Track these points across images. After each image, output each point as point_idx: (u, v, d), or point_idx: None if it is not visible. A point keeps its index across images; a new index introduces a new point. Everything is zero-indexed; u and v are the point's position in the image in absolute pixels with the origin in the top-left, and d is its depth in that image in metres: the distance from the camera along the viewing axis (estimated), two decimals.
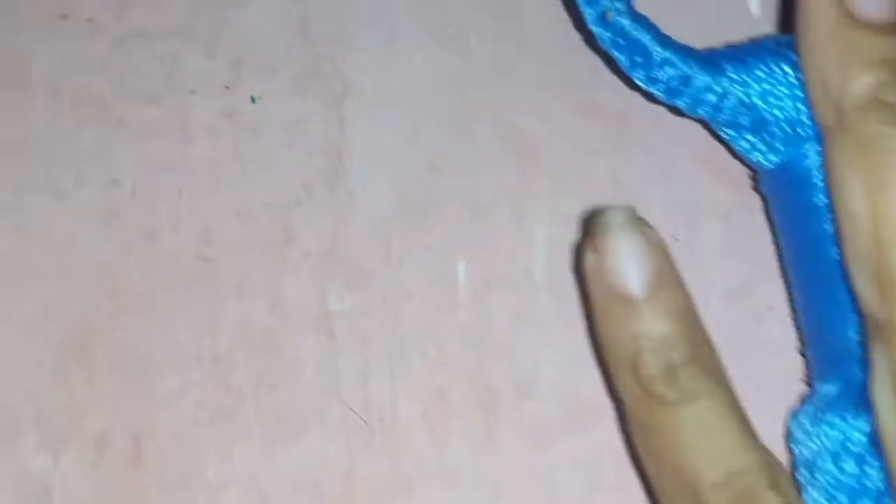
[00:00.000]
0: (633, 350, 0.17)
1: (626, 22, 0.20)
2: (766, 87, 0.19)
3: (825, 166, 0.17)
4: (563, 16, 0.24)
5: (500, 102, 0.23)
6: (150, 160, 0.22)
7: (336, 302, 0.22)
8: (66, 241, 0.21)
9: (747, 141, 0.20)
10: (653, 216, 0.21)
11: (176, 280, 0.21)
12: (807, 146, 0.19)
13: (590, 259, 0.17)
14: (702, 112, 0.20)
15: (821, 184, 0.18)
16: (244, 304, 0.21)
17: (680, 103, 0.20)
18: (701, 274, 0.22)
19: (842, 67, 0.17)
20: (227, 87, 0.23)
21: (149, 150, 0.22)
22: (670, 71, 0.20)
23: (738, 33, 0.22)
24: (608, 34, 0.20)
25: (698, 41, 0.22)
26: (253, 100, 0.23)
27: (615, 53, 0.20)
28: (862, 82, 0.16)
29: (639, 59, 0.20)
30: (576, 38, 0.24)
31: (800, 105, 0.19)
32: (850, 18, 0.17)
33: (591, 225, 0.18)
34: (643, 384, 0.17)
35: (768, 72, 0.19)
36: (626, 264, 0.17)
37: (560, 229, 0.22)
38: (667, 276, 0.17)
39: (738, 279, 0.22)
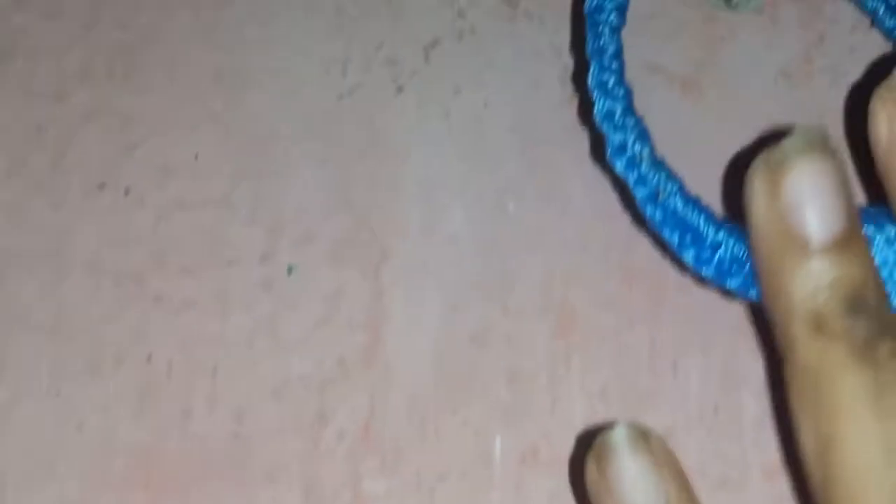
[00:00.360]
0: None
1: (678, 203, 0.20)
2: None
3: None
4: (600, 177, 0.24)
5: (540, 269, 0.23)
6: (186, 336, 0.22)
7: (370, 485, 0.21)
8: (102, 427, 0.21)
9: None
10: (691, 386, 0.21)
11: (209, 463, 0.21)
12: None
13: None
14: (754, 295, 0.19)
15: None
16: (276, 489, 0.21)
17: (732, 285, 0.20)
18: (739, 447, 0.21)
19: (787, 293, 0.16)
20: (264, 257, 0.23)
21: (185, 326, 0.22)
22: (723, 253, 0.19)
23: None
24: (659, 215, 0.20)
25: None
26: (290, 270, 0.23)
27: (665, 234, 0.20)
28: (806, 309, 0.16)
29: (689, 241, 0.19)
30: (614, 200, 0.24)
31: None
32: (794, 243, 0.16)
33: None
34: None
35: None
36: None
37: (597, 406, 0.21)
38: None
39: (778, 454, 0.21)
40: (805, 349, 0.16)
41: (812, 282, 0.15)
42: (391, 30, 0.25)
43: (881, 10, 0.25)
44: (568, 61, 0.25)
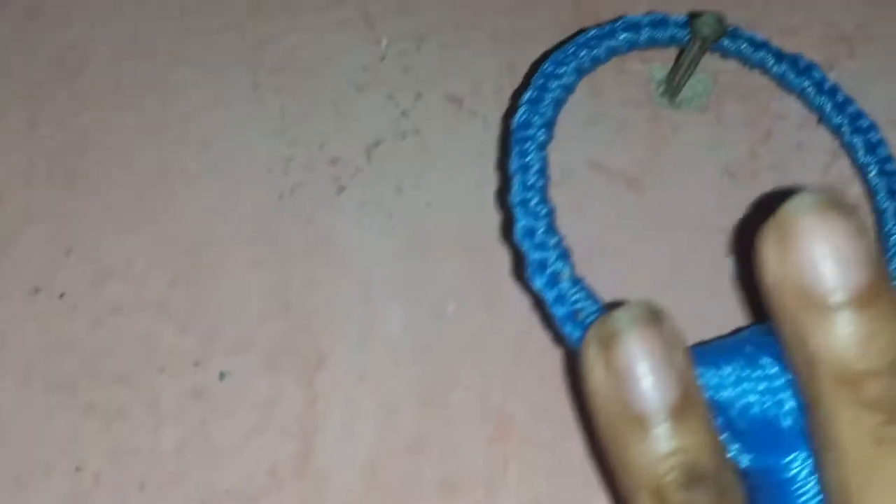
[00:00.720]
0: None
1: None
2: (737, 392, 0.18)
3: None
4: None
5: (479, 376, 0.23)
6: (116, 447, 0.22)
7: None
8: None
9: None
10: None
11: None
12: (790, 455, 0.18)
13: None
14: None
15: (791, 490, 0.17)
16: None
17: None
18: None
19: (630, 466, 0.16)
20: (196, 364, 0.23)
21: (116, 436, 0.22)
22: None
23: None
24: (578, 334, 0.20)
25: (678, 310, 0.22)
26: (222, 377, 0.23)
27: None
28: (648, 482, 0.16)
29: None
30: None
31: (772, 412, 0.18)
32: (632, 418, 0.16)
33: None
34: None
35: (739, 377, 0.18)
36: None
37: None
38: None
39: None
40: None
41: (651, 454, 0.15)
42: (334, 129, 0.26)
43: (828, 108, 0.25)
44: None
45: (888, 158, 0.24)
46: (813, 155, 0.26)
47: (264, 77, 0.26)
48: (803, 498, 0.17)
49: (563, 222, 0.23)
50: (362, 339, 0.23)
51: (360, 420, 0.22)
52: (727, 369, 0.19)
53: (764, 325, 0.19)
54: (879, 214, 0.23)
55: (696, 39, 0.23)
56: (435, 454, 0.22)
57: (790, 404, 0.18)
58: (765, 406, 0.18)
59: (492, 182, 0.25)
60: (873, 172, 0.24)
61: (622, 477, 0.16)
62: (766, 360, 0.18)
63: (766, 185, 0.25)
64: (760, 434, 0.18)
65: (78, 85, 0.26)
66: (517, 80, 0.26)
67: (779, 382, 0.18)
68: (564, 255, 0.20)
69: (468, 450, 0.22)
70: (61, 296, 0.23)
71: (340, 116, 0.26)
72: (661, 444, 0.15)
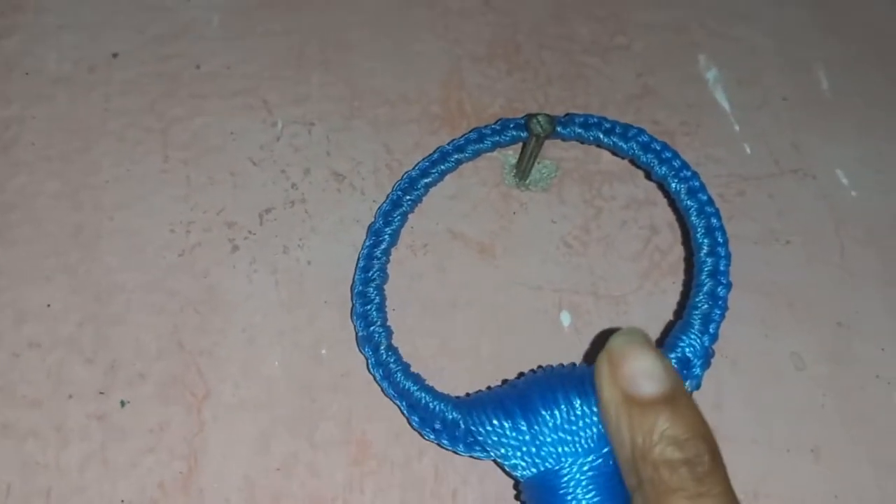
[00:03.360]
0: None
1: (401, 379, 0.27)
2: (494, 438, 0.24)
3: None
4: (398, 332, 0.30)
5: (345, 407, 0.29)
6: (27, 461, 0.27)
7: None
8: None
9: (502, 461, 0.25)
10: None
11: None
12: (551, 466, 0.24)
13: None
14: (460, 449, 0.26)
15: (561, 495, 0.24)
16: None
17: (444, 441, 0.26)
18: None
19: (633, 443, 0.22)
20: (100, 393, 0.28)
21: (27, 452, 0.27)
22: (432, 413, 0.27)
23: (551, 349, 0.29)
24: (390, 389, 0.28)
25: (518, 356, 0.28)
26: (122, 404, 0.28)
27: (397, 402, 0.28)
28: (651, 456, 0.22)
29: (412, 409, 0.27)
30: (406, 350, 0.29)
31: (521, 449, 0.24)
32: (631, 401, 0.23)
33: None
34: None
35: (491, 426, 0.25)
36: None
37: None
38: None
39: None
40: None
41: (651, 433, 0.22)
42: (232, 197, 0.32)
43: (654, 163, 0.30)
44: None
45: (707, 202, 0.30)
46: (635, 230, 0.33)
47: (173, 151, 0.32)
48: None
49: (426, 281, 0.30)
50: (245, 377, 0.29)
51: (239, 444, 0.28)
52: (488, 421, 0.25)
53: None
54: (696, 250, 0.29)
55: (532, 136, 0.30)
56: (302, 474, 0.28)
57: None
58: (509, 451, 0.25)
59: None
60: (693, 214, 0.30)
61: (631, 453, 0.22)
62: (506, 422, 0.25)
63: (595, 254, 0.32)
64: (515, 465, 0.25)
65: (13, 153, 0.32)
66: (393, 159, 0.33)
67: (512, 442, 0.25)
68: (384, 332, 0.28)
69: (331, 470, 0.28)
70: None
71: (238, 187, 0.32)
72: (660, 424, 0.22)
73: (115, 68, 0.34)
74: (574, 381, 0.24)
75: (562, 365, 0.26)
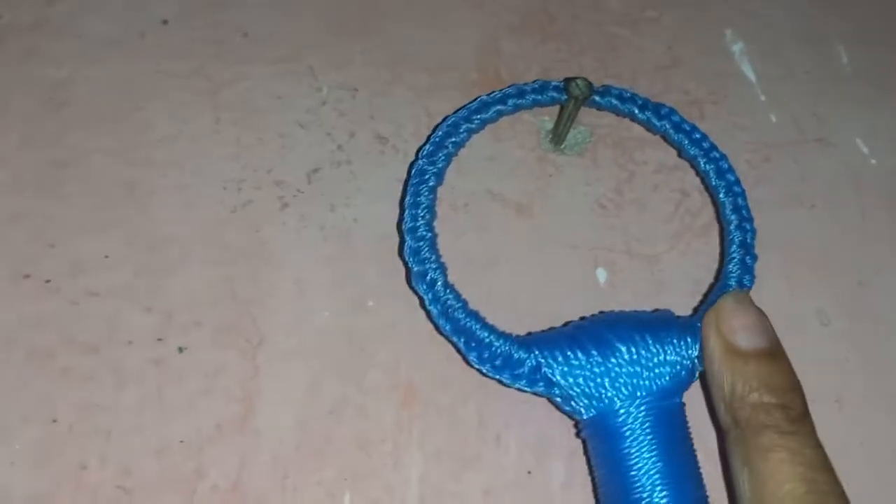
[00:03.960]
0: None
1: (461, 316, 0.27)
2: (565, 368, 0.25)
3: (727, 455, 0.25)
4: None
5: (391, 355, 0.30)
6: (87, 403, 0.28)
7: None
8: (5, 478, 0.26)
9: (561, 401, 0.26)
10: (510, 454, 0.27)
11: None
12: (614, 406, 0.25)
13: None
14: (521, 384, 0.27)
15: (623, 434, 0.25)
16: None
17: (505, 378, 0.27)
18: None
19: (733, 388, 0.25)
20: (159, 339, 0.29)
21: (87, 394, 0.28)
22: (496, 353, 0.27)
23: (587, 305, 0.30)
24: (448, 326, 0.27)
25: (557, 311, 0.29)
26: (180, 350, 0.29)
27: (454, 339, 0.27)
28: (748, 399, 0.24)
29: (472, 345, 0.27)
30: None
31: (591, 382, 0.25)
32: (734, 351, 0.25)
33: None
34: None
35: (565, 360, 0.26)
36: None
37: (431, 467, 0.28)
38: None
39: None
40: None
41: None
42: (280, 157, 0.33)
43: (685, 143, 0.32)
44: None
45: (735, 182, 0.31)
46: (666, 194, 0.34)
47: (223, 113, 0.33)
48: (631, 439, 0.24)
49: (466, 238, 0.31)
50: (296, 325, 0.30)
51: (292, 389, 0.29)
52: (558, 352, 0.26)
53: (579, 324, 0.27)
54: (726, 224, 0.31)
55: (570, 99, 0.31)
56: (352, 416, 0.29)
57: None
58: (581, 383, 0.26)
59: None
60: (722, 193, 0.31)
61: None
62: (580, 353, 0.26)
63: (629, 215, 0.33)
64: (585, 399, 0.26)
65: (65, 113, 0.33)
66: (433, 123, 0.34)
67: (586, 370, 0.26)
68: (441, 268, 0.28)
69: (380, 413, 0.29)
70: (47, 281, 0.29)
71: (286, 148, 0.33)
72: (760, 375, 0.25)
73: (165, 34, 0.35)
74: (647, 322, 0.26)
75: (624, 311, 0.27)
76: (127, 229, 0.31)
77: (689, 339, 0.26)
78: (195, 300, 0.30)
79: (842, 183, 0.35)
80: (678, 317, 0.27)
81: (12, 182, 0.31)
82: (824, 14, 0.39)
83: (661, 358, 0.25)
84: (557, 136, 0.33)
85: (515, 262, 0.32)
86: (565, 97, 0.32)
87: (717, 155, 0.32)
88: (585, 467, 0.28)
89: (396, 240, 0.31)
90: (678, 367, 0.26)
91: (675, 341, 0.26)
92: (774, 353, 0.25)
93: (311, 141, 0.33)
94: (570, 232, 0.32)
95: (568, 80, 0.31)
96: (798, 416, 0.24)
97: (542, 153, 0.34)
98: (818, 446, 0.24)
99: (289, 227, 0.31)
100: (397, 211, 0.32)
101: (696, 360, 0.26)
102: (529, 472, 0.28)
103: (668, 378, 0.25)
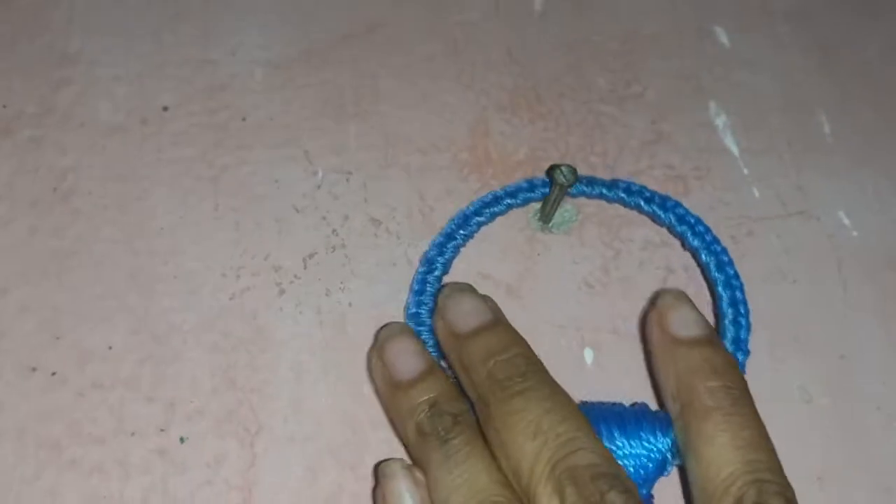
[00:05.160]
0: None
1: None
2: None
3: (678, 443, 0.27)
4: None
5: (387, 444, 0.30)
6: (93, 494, 0.29)
7: None
8: None
9: None
10: None
11: None
12: None
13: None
14: None
15: None
16: None
17: None
18: None
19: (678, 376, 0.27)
20: (160, 429, 0.30)
21: (93, 486, 0.29)
22: None
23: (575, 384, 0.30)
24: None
25: None
26: (182, 440, 0.30)
27: None
28: (693, 385, 0.26)
29: None
30: None
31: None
32: (675, 341, 0.28)
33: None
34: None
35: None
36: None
37: None
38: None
39: None
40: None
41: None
42: (278, 243, 0.33)
43: (688, 234, 0.33)
44: None
45: (734, 276, 0.32)
46: (651, 271, 0.34)
47: (223, 199, 0.34)
48: None
49: None
50: (294, 412, 0.31)
51: (291, 477, 0.30)
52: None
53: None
54: (721, 317, 0.32)
55: (555, 185, 0.32)
56: None
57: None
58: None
59: (402, 287, 0.33)
60: (720, 286, 0.32)
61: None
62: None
63: (615, 294, 0.34)
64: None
65: (72, 202, 0.34)
66: (425, 205, 0.35)
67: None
68: (436, 355, 0.30)
69: None
70: (53, 374, 0.30)
71: (283, 232, 0.34)
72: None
73: (167, 119, 0.36)
74: (617, 415, 0.27)
75: (601, 402, 0.28)
76: (131, 319, 0.32)
77: (658, 434, 0.27)
78: (196, 388, 0.31)
79: (824, 256, 0.35)
80: (653, 411, 0.28)
81: (21, 273, 0.32)
82: (808, 83, 0.40)
83: (627, 451, 0.26)
84: (545, 215, 0.34)
85: None
86: (550, 183, 0.33)
87: (719, 248, 0.33)
88: None
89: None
90: (644, 460, 0.27)
91: (642, 435, 0.27)
92: (711, 340, 0.27)
93: (307, 225, 0.34)
94: (558, 312, 0.33)
95: (553, 168, 0.32)
96: (740, 395, 0.26)
97: (530, 233, 0.35)
98: (758, 426, 0.25)
99: (285, 314, 0.32)
100: (391, 293, 0.33)
101: (666, 454, 0.27)
102: None
103: (631, 469, 0.26)
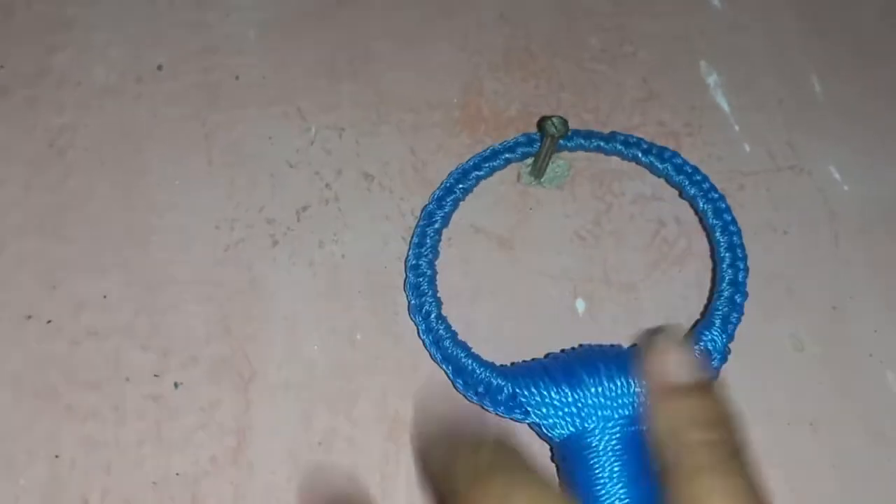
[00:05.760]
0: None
1: (450, 346, 0.29)
2: (538, 399, 0.27)
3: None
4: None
5: (378, 387, 0.30)
6: (88, 439, 0.29)
7: None
8: None
9: (535, 427, 0.28)
10: None
11: None
12: (582, 433, 0.27)
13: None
14: (500, 410, 0.28)
15: (589, 458, 0.26)
16: None
17: (486, 403, 0.29)
18: None
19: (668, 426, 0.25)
20: (156, 376, 0.30)
21: (89, 431, 0.29)
22: (477, 378, 0.29)
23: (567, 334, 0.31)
24: (438, 354, 0.29)
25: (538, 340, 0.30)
26: (176, 386, 0.30)
27: (443, 367, 0.30)
28: (682, 438, 0.24)
29: (457, 373, 0.29)
30: None
31: (560, 412, 0.27)
32: (664, 389, 0.25)
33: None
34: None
35: (537, 390, 0.27)
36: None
37: (417, 498, 0.28)
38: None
39: None
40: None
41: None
42: (271, 197, 0.34)
43: (686, 183, 0.34)
44: (411, 223, 0.34)
45: (731, 221, 0.33)
46: (643, 224, 0.35)
47: (217, 155, 0.34)
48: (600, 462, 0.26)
49: (451, 272, 0.32)
50: (287, 359, 0.31)
51: (284, 421, 0.30)
52: (531, 385, 0.28)
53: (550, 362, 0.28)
54: (719, 262, 0.32)
55: (546, 137, 0.32)
56: (342, 448, 0.30)
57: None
58: (550, 412, 0.27)
59: (393, 240, 0.33)
60: (718, 231, 0.33)
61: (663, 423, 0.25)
62: (551, 390, 0.27)
63: (607, 246, 0.34)
64: (553, 429, 0.27)
65: (67, 158, 0.34)
66: (418, 160, 0.35)
67: (552, 406, 0.27)
68: (436, 302, 0.30)
69: (368, 445, 0.30)
70: (48, 322, 0.31)
71: (277, 186, 0.34)
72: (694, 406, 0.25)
73: (160, 79, 0.36)
74: (613, 355, 0.28)
75: (599, 344, 0.29)
76: (126, 270, 0.32)
77: None
78: (191, 337, 0.31)
79: (815, 209, 0.35)
80: None
81: (18, 226, 0.32)
82: (797, 45, 0.40)
83: (626, 390, 0.27)
84: (537, 170, 0.34)
85: (498, 293, 0.33)
86: (563, 143, 0.33)
87: (716, 195, 0.33)
88: None
89: (382, 275, 0.32)
90: (643, 398, 0.27)
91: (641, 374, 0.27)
92: (703, 386, 0.25)
93: (301, 179, 0.34)
94: (551, 263, 0.33)
95: (544, 119, 0.32)
96: (733, 452, 0.24)
97: (522, 187, 0.35)
98: (751, 486, 0.23)
99: (279, 264, 0.32)
100: (383, 246, 0.33)
101: None
102: None
103: (631, 408, 0.26)
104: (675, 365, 0.26)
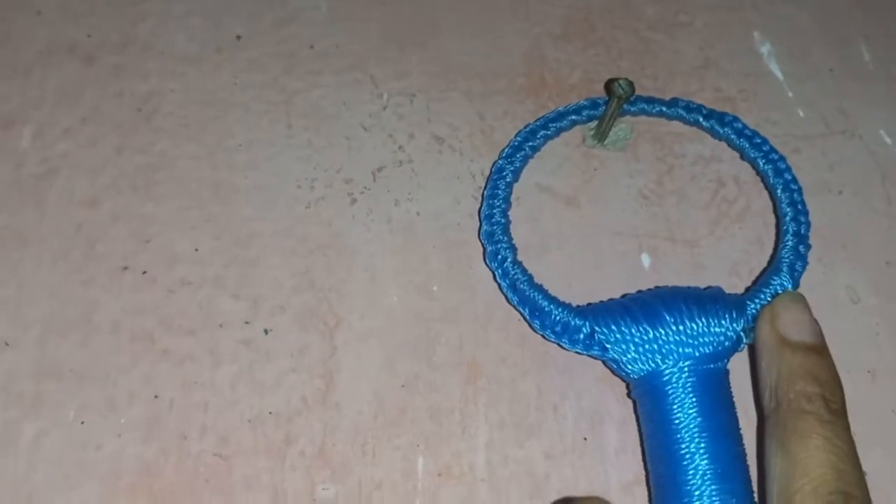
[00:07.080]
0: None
1: (526, 288, 0.30)
2: (617, 336, 0.28)
3: (764, 436, 0.27)
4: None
5: (456, 335, 0.32)
6: (185, 381, 0.31)
7: (322, 492, 0.29)
8: (116, 449, 0.29)
9: (613, 364, 0.29)
10: (567, 422, 0.29)
11: (199, 476, 0.29)
12: (660, 369, 0.28)
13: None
14: (578, 348, 0.30)
15: (667, 394, 0.27)
16: (251, 496, 0.29)
17: (566, 343, 0.30)
18: (602, 469, 0.30)
19: (780, 374, 0.27)
20: (246, 323, 0.32)
21: (185, 373, 0.31)
22: (557, 322, 0.30)
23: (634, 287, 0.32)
24: (515, 297, 0.31)
25: (605, 293, 0.31)
26: (266, 332, 0.32)
27: (520, 309, 0.31)
28: (794, 386, 0.26)
29: (535, 314, 0.30)
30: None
31: (640, 348, 0.28)
32: (785, 342, 0.27)
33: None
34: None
35: (617, 328, 0.28)
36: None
37: (496, 435, 0.30)
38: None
39: (633, 473, 0.30)
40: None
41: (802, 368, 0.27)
42: (348, 158, 0.36)
43: (747, 146, 0.35)
44: (481, 183, 0.35)
45: (792, 180, 0.34)
46: (703, 184, 0.36)
47: (295, 119, 0.36)
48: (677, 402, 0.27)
49: (519, 228, 0.33)
50: (369, 309, 0.33)
51: (368, 366, 0.32)
52: (612, 323, 0.29)
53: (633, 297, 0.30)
54: (781, 217, 0.34)
55: (613, 98, 0.34)
56: (424, 389, 0.31)
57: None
58: (631, 349, 0.29)
59: (465, 199, 0.35)
60: (779, 189, 0.34)
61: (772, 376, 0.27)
62: (632, 327, 0.29)
63: (669, 205, 0.36)
64: (634, 365, 0.29)
65: (154, 122, 0.36)
66: (486, 125, 0.37)
67: (634, 342, 0.29)
68: (511, 249, 0.32)
69: (448, 387, 0.31)
70: (144, 272, 0.32)
71: (353, 149, 0.36)
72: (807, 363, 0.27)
73: (239, 49, 0.38)
74: (696, 296, 0.29)
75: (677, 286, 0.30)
76: (214, 225, 0.34)
77: (734, 314, 0.28)
78: (278, 288, 0.33)
79: (867, 171, 0.37)
80: (727, 294, 0.30)
81: (111, 185, 0.34)
82: (847, 15, 0.41)
83: (706, 328, 0.28)
84: (600, 133, 0.36)
85: (566, 249, 0.34)
86: (627, 108, 0.35)
87: (776, 156, 0.35)
88: (636, 434, 0.30)
89: (455, 231, 0.34)
90: (721, 338, 0.28)
91: (720, 314, 0.28)
92: (821, 350, 0.27)
93: (375, 142, 0.36)
94: (616, 221, 0.35)
95: (611, 81, 0.33)
96: (837, 409, 0.26)
97: (585, 150, 0.36)
98: (851, 442, 0.25)
99: (358, 221, 0.34)
100: (455, 205, 0.35)
101: (741, 333, 0.28)
102: (585, 439, 0.30)
103: (711, 347, 0.28)
104: (799, 322, 0.28)
